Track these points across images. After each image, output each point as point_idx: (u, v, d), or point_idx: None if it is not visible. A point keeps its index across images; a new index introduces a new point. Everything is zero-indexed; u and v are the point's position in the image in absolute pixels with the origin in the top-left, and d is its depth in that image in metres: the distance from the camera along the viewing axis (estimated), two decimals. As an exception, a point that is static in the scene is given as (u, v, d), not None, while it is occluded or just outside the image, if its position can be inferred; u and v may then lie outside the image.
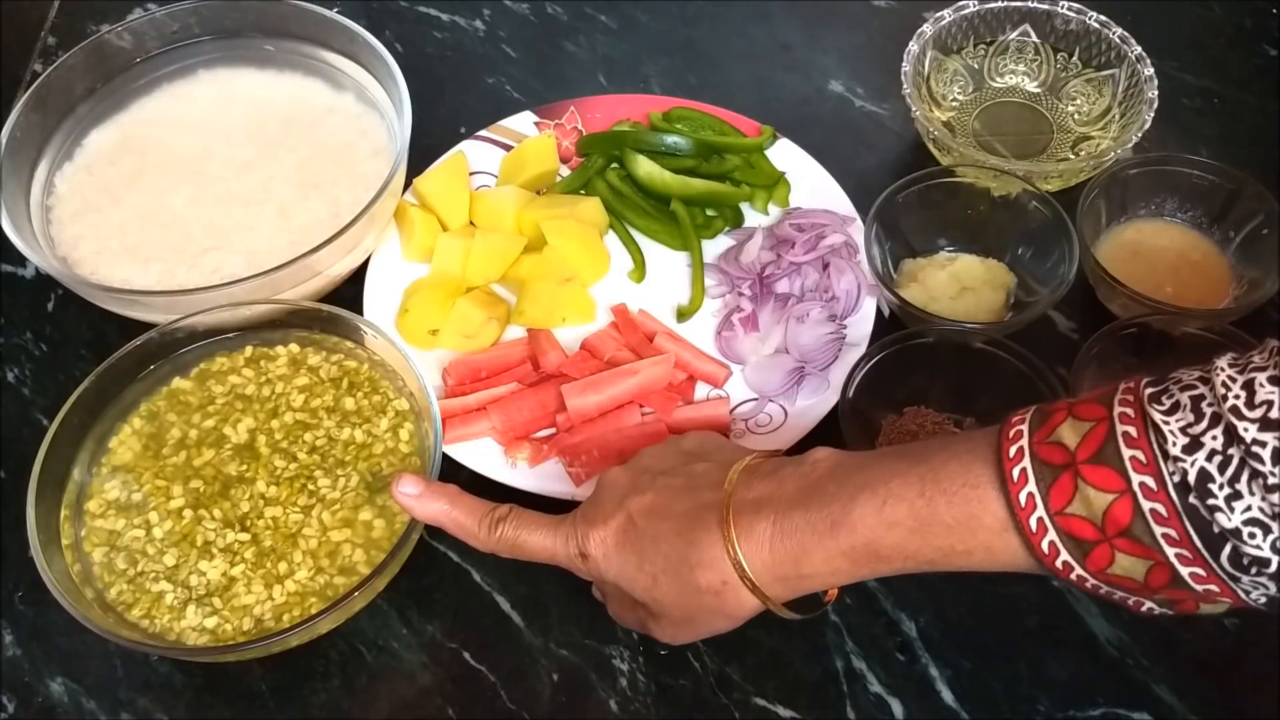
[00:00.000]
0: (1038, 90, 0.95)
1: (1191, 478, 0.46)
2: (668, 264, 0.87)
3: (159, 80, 0.93)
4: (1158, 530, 0.47)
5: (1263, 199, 0.81)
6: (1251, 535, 0.45)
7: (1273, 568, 0.45)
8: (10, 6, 1.09)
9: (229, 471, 0.72)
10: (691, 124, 0.92)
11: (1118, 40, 0.91)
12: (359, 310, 0.81)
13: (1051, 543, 0.50)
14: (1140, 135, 0.85)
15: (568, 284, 0.83)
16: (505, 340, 0.83)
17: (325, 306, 0.77)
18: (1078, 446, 0.49)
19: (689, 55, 1.01)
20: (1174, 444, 0.46)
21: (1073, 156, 0.91)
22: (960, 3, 0.93)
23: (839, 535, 0.55)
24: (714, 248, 0.88)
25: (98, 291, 0.78)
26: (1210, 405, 0.46)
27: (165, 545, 0.69)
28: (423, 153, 0.89)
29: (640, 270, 0.87)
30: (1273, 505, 0.44)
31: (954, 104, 0.95)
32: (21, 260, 0.90)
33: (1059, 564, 0.50)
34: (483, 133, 0.93)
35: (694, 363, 0.80)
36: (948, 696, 0.68)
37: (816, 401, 0.77)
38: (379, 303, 0.83)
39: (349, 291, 0.84)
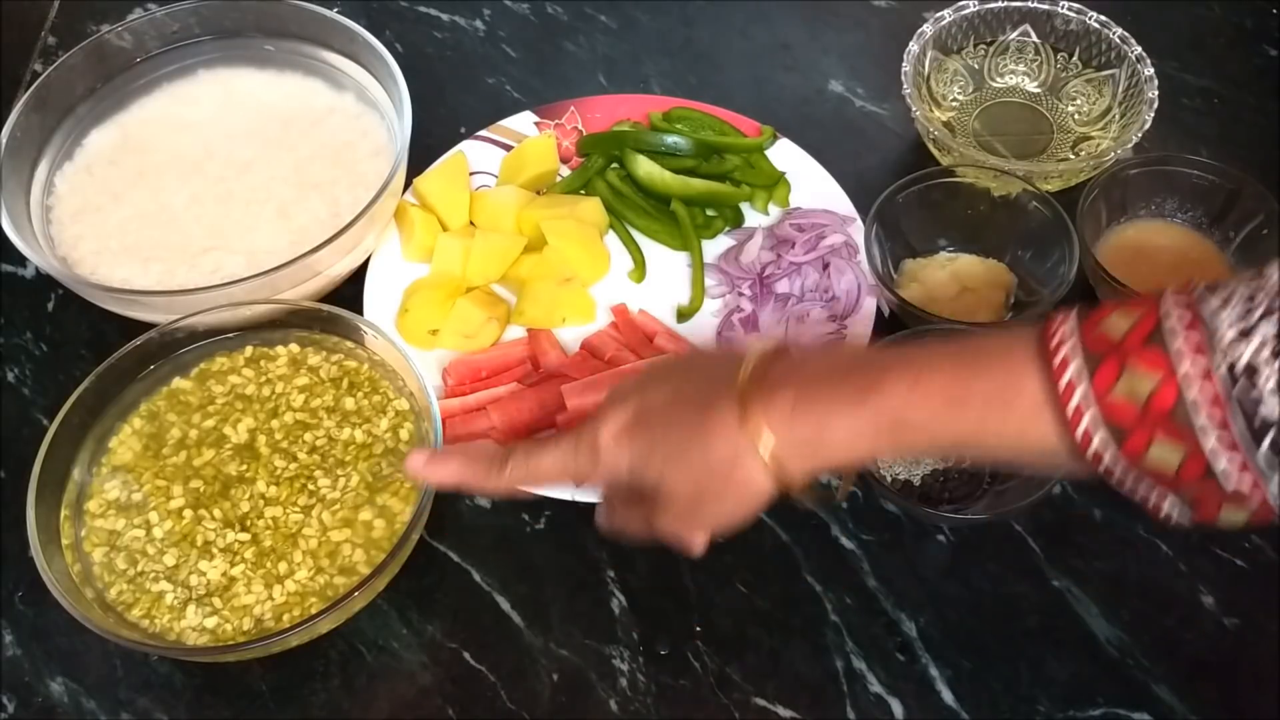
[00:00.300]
0: (1038, 90, 0.95)
1: (1240, 367, 0.46)
2: (668, 264, 0.87)
3: (159, 80, 0.93)
4: (1200, 417, 0.46)
5: (1263, 199, 0.81)
6: None
7: None
8: (10, 6, 1.09)
9: (229, 471, 0.72)
10: (691, 124, 0.92)
11: (1118, 40, 0.91)
12: (359, 310, 0.81)
13: (1087, 430, 0.49)
14: (1140, 135, 0.85)
15: (568, 284, 0.83)
16: (505, 340, 0.83)
17: (325, 306, 0.77)
18: (1126, 334, 0.48)
19: (689, 55, 1.01)
20: (1224, 335, 0.46)
21: (1073, 157, 0.91)
22: (960, 3, 0.93)
23: (867, 404, 0.53)
24: (714, 248, 0.88)
25: (98, 291, 0.78)
26: (1262, 301, 0.47)
27: (165, 545, 0.69)
28: (423, 153, 0.89)
29: (640, 270, 0.87)
30: None
31: (954, 104, 0.95)
32: (21, 260, 0.90)
33: (1091, 452, 0.49)
34: (483, 133, 0.93)
35: (694, 363, 0.80)
36: (948, 696, 0.68)
37: (816, 401, 0.77)
38: (379, 303, 0.83)
39: (349, 291, 0.84)
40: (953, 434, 0.53)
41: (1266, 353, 0.45)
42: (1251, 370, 0.46)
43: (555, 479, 0.62)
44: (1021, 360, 0.51)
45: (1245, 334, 0.46)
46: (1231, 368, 0.46)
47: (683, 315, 0.84)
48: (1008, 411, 0.51)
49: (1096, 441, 0.49)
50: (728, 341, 0.81)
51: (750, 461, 0.55)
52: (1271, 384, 0.45)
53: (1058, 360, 0.49)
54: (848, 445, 0.54)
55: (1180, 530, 0.65)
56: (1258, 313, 0.46)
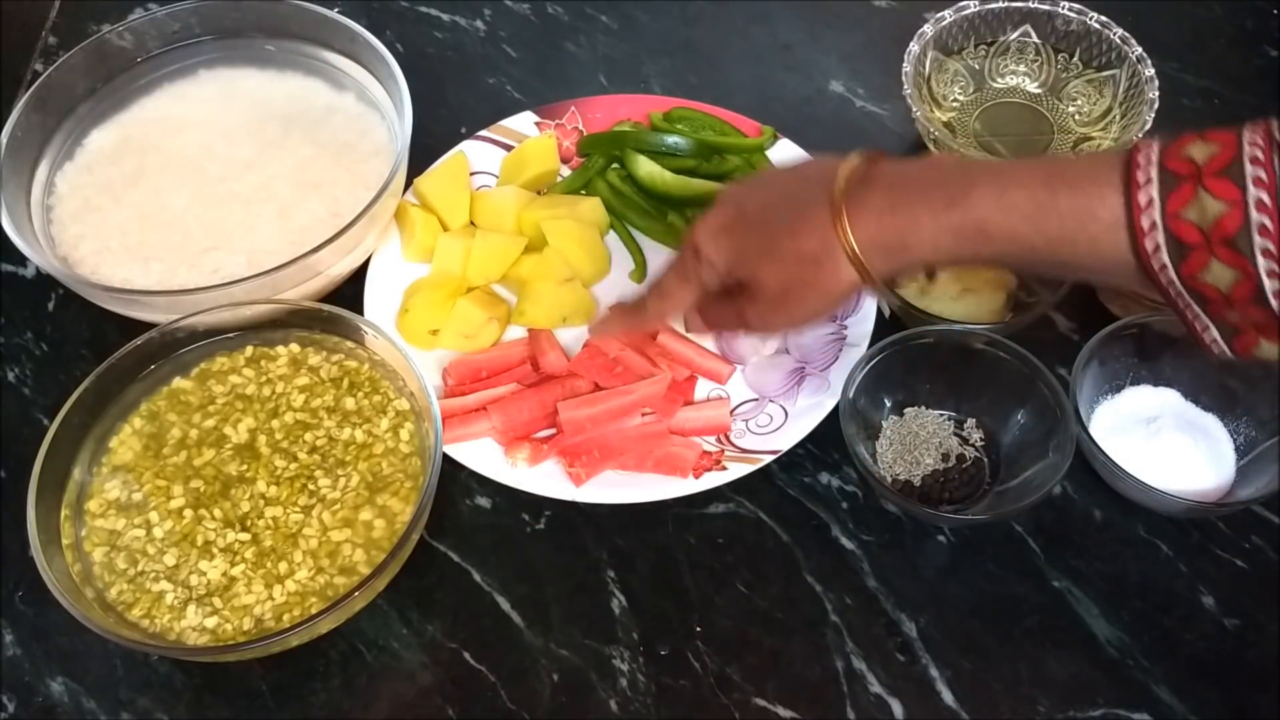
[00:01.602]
0: (1038, 91, 0.95)
1: None
2: (668, 264, 0.87)
3: (160, 80, 0.93)
4: (1259, 242, 0.51)
5: (1263, 200, 0.81)
6: None
7: None
8: (11, 6, 1.09)
9: (229, 471, 0.72)
10: (692, 124, 0.92)
11: (1118, 41, 0.91)
12: (359, 310, 0.81)
13: (1157, 244, 0.53)
14: (1141, 135, 0.85)
15: (568, 284, 0.83)
16: (505, 340, 0.83)
17: (326, 306, 0.77)
18: (1206, 162, 0.52)
19: (689, 55, 1.01)
20: None
21: (1073, 157, 0.91)
22: (961, 3, 0.93)
23: (953, 211, 0.57)
24: (714, 248, 0.88)
25: (98, 291, 0.78)
26: None
27: (165, 545, 0.69)
28: (423, 153, 0.89)
29: (640, 270, 0.87)
30: None
31: (955, 104, 0.95)
32: (22, 260, 0.90)
33: (1157, 264, 0.54)
34: (483, 133, 0.93)
35: (697, 360, 0.80)
36: (948, 696, 0.68)
37: (817, 402, 0.77)
38: (379, 303, 0.83)
39: (349, 291, 0.84)
40: (1030, 244, 0.57)
41: None
42: None
43: (676, 289, 0.68)
44: (1105, 179, 0.55)
45: None
46: None
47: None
48: (1084, 228, 0.55)
49: (1161, 257, 0.53)
50: (728, 341, 0.81)
51: (838, 258, 0.60)
52: None
53: (1140, 179, 0.53)
54: (930, 248, 0.59)
55: (1177, 531, 0.65)
56: None
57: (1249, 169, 0.51)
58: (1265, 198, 0.50)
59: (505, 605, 0.72)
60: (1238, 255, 0.52)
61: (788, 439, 0.76)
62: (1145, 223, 0.53)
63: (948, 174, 0.59)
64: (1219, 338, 0.56)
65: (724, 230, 0.65)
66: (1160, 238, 0.53)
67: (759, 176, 0.67)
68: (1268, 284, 0.51)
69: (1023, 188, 0.56)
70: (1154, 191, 0.53)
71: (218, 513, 0.70)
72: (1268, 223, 0.51)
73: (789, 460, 0.76)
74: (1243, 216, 0.51)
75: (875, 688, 0.68)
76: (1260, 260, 0.51)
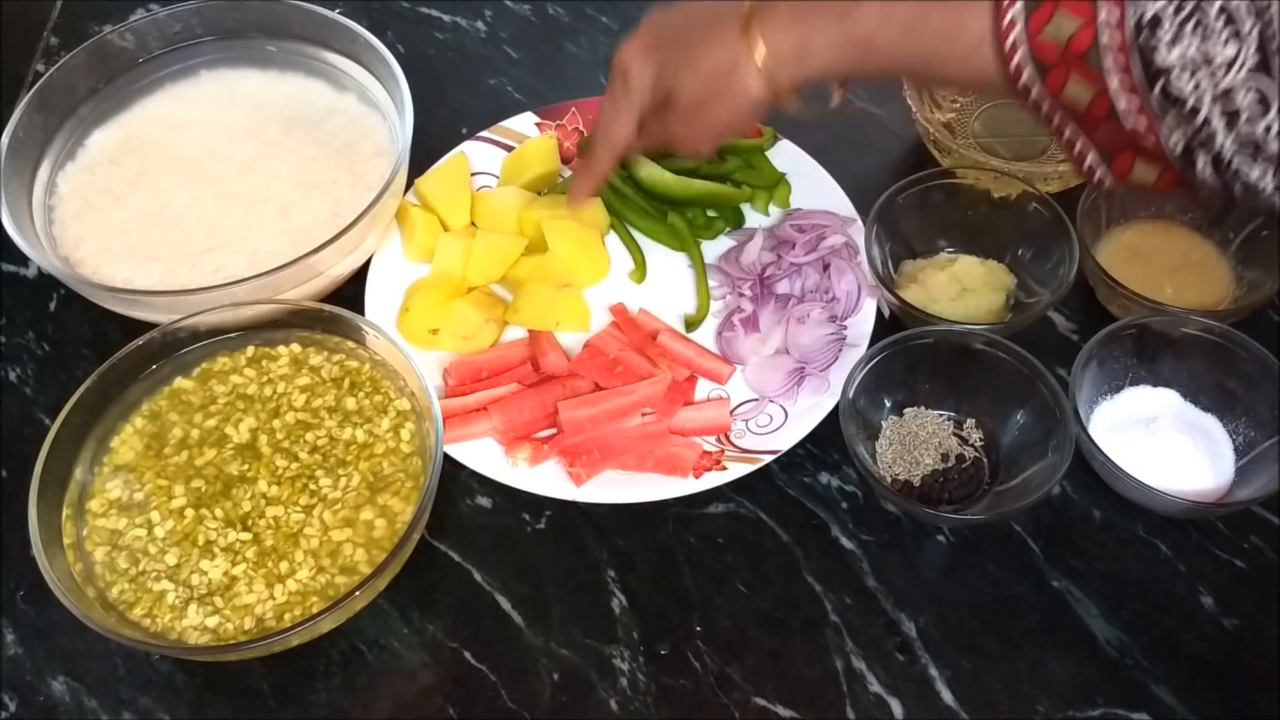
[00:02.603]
0: (1038, 92, 0.95)
1: (1147, 18, 0.52)
2: (669, 265, 0.87)
3: (161, 80, 0.93)
4: (1107, 59, 0.54)
5: (1262, 200, 0.81)
6: (1179, 75, 0.52)
7: (1189, 107, 0.53)
8: (12, 6, 1.09)
9: (230, 471, 0.72)
10: (692, 125, 0.92)
11: (1118, 42, 0.90)
12: (360, 310, 0.81)
13: (1019, 63, 0.56)
14: (1140, 137, 0.85)
15: (565, 289, 0.83)
16: (506, 341, 0.83)
17: (327, 306, 0.77)
18: None
19: (690, 56, 1.01)
20: None
21: (1073, 158, 0.91)
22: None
23: (844, 23, 0.62)
24: (715, 248, 0.88)
25: (100, 291, 0.79)
26: None
27: (167, 544, 0.69)
28: (424, 153, 0.89)
29: (641, 270, 0.87)
30: (1203, 53, 0.51)
31: (954, 105, 0.95)
32: (24, 260, 0.90)
33: (1021, 84, 0.57)
34: (484, 133, 0.93)
35: (697, 360, 0.81)
36: (948, 696, 0.68)
37: (816, 402, 0.77)
38: (380, 303, 0.83)
39: (350, 291, 0.84)
40: (908, 58, 0.62)
41: (1171, 8, 0.52)
42: (1156, 22, 0.52)
43: (619, 122, 0.73)
44: (975, 1, 0.58)
45: None
46: (1139, 19, 0.53)
47: (690, 325, 0.84)
48: (955, 43, 0.59)
49: (1025, 75, 0.57)
50: (727, 342, 0.81)
51: (746, 67, 0.65)
52: (1169, 36, 0.52)
53: (1005, 1, 0.56)
54: (826, 58, 0.64)
55: (1177, 531, 0.65)
56: None
57: None
58: (1113, 16, 0.53)
59: (506, 605, 0.72)
60: (1091, 71, 0.54)
61: (788, 439, 0.76)
62: (1010, 42, 0.56)
63: None
64: (1096, 162, 0.59)
65: (647, 49, 0.70)
66: (1022, 57, 0.56)
67: (676, 2, 0.72)
68: (1119, 103, 0.54)
69: (903, 5, 0.60)
70: (1018, 11, 0.56)
71: (219, 512, 0.70)
72: (1115, 39, 0.53)
73: (789, 460, 0.77)
74: (1093, 34, 0.54)
75: (875, 687, 0.68)
76: (1111, 77, 0.54)
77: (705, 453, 0.76)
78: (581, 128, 0.94)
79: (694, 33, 0.68)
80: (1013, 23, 0.56)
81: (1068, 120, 0.58)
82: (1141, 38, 0.53)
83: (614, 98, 0.73)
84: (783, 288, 0.83)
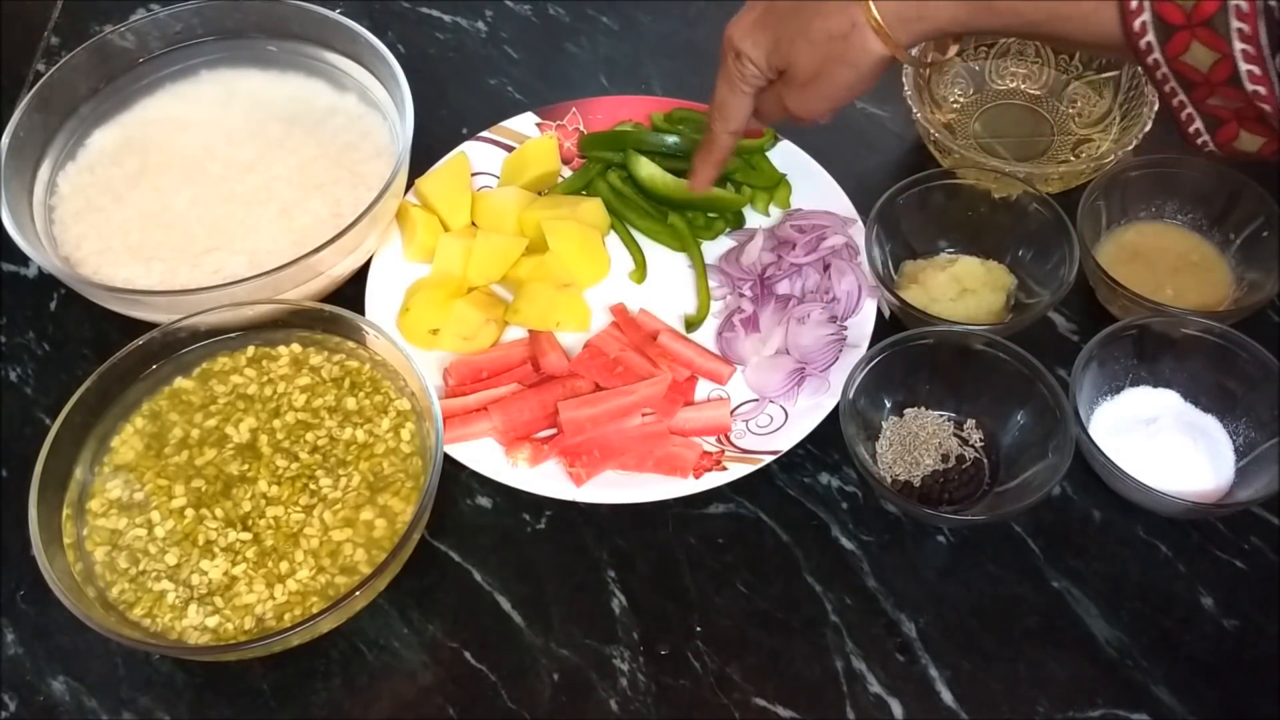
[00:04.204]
0: (1038, 93, 0.95)
1: None
2: (669, 265, 0.87)
3: (162, 80, 0.93)
4: (1234, 24, 0.54)
5: (1263, 201, 0.81)
6: None
7: None
8: (13, 6, 1.09)
9: (231, 471, 0.72)
10: (693, 125, 0.92)
11: (1118, 43, 0.91)
12: (361, 310, 0.81)
13: (1143, 22, 0.57)
14: (1141, 137, 0.85)
15: (565, 289, 0.83)
16: (506, 341, 0.83)
17: (327, 306, 0.77)
18: None
19: (690, 56, 1.02)
20: None
21: (1073, 159, 0.91)
22: (961, 5, 0.93)
23: None
24: (715, 248, 0.88)
25: (100, 291, 0.79)
26: None
27: (167, 544, 0.69)
28: (425, 153, 0.89)
29: (641, 271, 0.87)
30: None
31: (955, 106, 0.95)
32: (24, 260, 0.90)
33: (1143, 43, 0.57)
34: (484, 134, 0.93)
35: (697, 360, 0.81)
36: (947, 697, 0.68)
37: (817, 403, 0.77)
38: (381, 303, 0.83)
39: (351, 291, 0.84)
40: (1030, 17, 0.61)
41: None
42: None
43: (735, 103, 0.74)
44: None
45: None
46: None
47: (691, 325, 0.84)
48: (1078, 2, 0.59)
49: (1148, 36, 0.57)
50: (728, 342, 0.81)
51: (863, 30, 0.65)
52: None
53: None
54: (948, 18, 0.64)
55: (1177, 532, 0.65)
56: None
57: None
58: None
59: (506, 605, 0.72)
60: (1216, 36, 0.55)
61: (788, 439, 0.76)
62: (1133, 2, 0.56)
63: None
64: (1203, 128, 0.59)
65: (756, 25, 0.70)
66: (1147, 17, 0.56)
67: None
68: (1242, 66, 0.54)
69: None
70: None
71: (219, 512, 0.70)
72: (1243, 5, 0.53)
73: (789, 461, 0.77)
74: (1220, 1, 0.54)
75: (875, 688, 0.68)
76: (1236, 42, 0.54)
77: (705, 453, 0.76)
78: (581, 128, 0.94)
79: (802, 4, 0.68)
80: None
81: (1181, 85, 0.58)
82: (1271, 2, 0.52)
83: (728, 78, 0.73)
84: (783, 288, 0.83)
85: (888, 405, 0.78)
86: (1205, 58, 0.56)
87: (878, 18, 0.65)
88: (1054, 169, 0.87)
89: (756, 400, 0.79)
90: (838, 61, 0.67)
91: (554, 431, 0.78)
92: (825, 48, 0.67)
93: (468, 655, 0.70)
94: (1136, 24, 0.57)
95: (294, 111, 0.92)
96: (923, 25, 0.65)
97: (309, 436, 0.74)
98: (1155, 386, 0.77)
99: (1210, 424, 0.76)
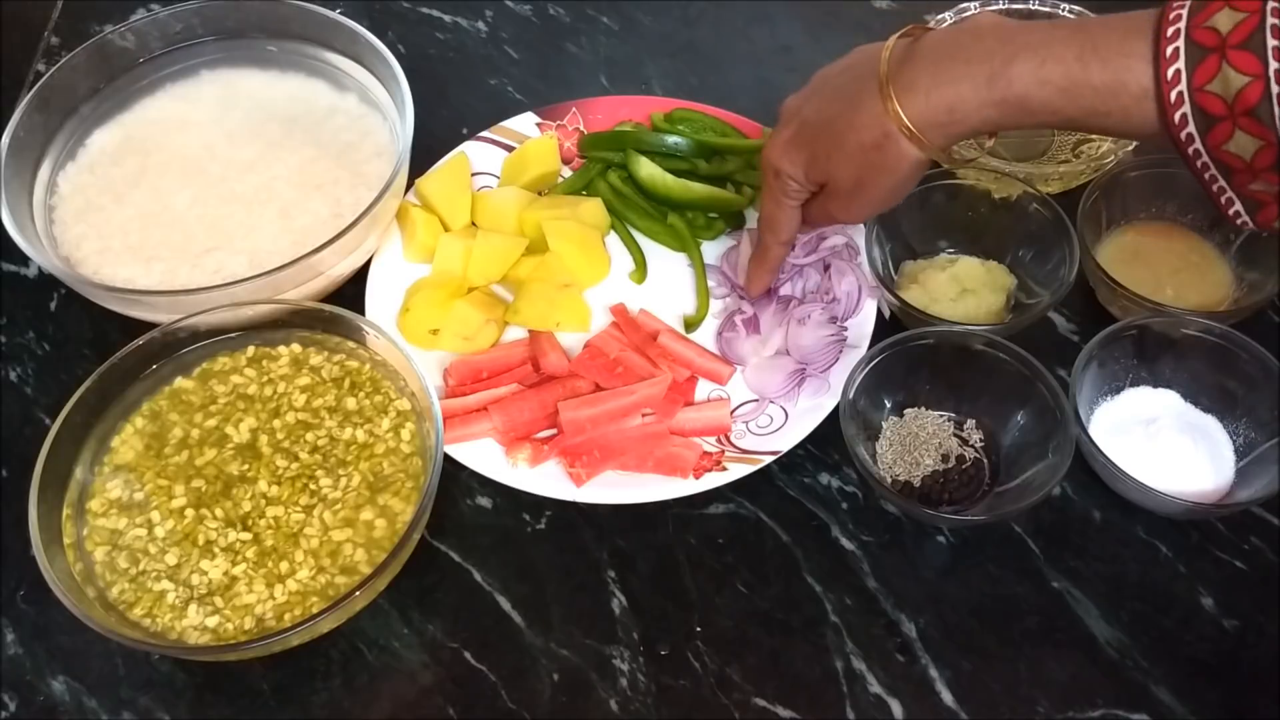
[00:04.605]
0: (1038, 93, 0.95)
1: None
2: (669, 265, 0.87)
3: (162, 80, 0.93)
4: (1279, 111, 0.53)
5: (1263, 202, 0.81)
6: None
7: None
8: (13, 6, 1.10)
9: (231, 471, 0.72)
10: (693, 125, 0.92)
11: (1118, 43, 0.90)
12: (361, 310, 0.81)
13: (1184, 115, 0.56)
14: (1141, 138, 0.85)
15: (565, 289, 0.83)
16: (506, 341, 0.83)
17: (327, 306, 0.77)
18: (1229, 32, 0.54)
19: (690, 56, 1.02)
20: None
21: (1073, 159, 0.91)
22: (961, 5, 0.93)
23: (995, 87, 0.61)
24: (715, 248, 0.88)
25: (100, 291, 0.79)
26: None
27: (167, 544, 0.69)
28: (425, 153, 0.89)
29: (641, 271, 0.87)
30: None
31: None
32: (24, 260, 0.90)
33: (1184, 135, 0.57)
34: (485, 134, 0.93)
35: (697, 360, 0.81)
36: (947, 697, 0.68)
37: (817, 403, 0.77)
38: (381, 303, 0.83)
39: (351, 291, 0.84)
40: (1067, 115, 0.61)
41: None
42: None
43: (782, 219, 0.75)
44: (1134, 51, 0.58)
45: None
46: None
47: (690, 325, 0.84)
48: (1115, 101, 0.59)
49: (1189, 128, 0.57)
50: (728, 342, 0.81)
51: (897, 138, 0.65)
52: None
53: (1168, 53, 0.56)
54: (978, 121, 0.63)
55: (1177, 532, 0.65)
56: None
57: (1270, 41, 0.52)
58: None
59: (506, 605, 0.72)
60: (1260, 125, 0.54)
61: (788, 440, 0.76)
62: (1173, 96, 0.56)
63: (988, 46, 0.62)
64: (1243, 210, 0.59)
65: (792, 143, 0.71)
66: (1187, 110, 0.56)
67: (811, 83, 0.72)
68: None
69: (1059, 62, 0.59)
70: (1181, 65, 0.55)
71: (219, 512, 0.70)
72: None
73: (789, 461, 0.77)
74: (1263, 88, 0.53)
75: (875, 688, 0.68)
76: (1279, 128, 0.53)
77: (705, 453, 0.76)
78: (582, 127, 0.94)
79: (836, 115, 0.68)
80: (1176, 77, 0.56)
81: (1221, 171, 0.58)
82: None
83: (772, 196, 0.74)
84: (784, 289, 0.83)
85: (888, 405, 0.78)
86: (1249, 145, 0.56)
87: (909, 125, 0.64)
88: (1054, 169, 0.87)
89: (756, 401, 0.79)
90: (877, 170, 0.67)
91: (554, 432, 0.78)
92: (861, 159, 0.67)
93: (468, 655, 0.70)
94: (1177, 116, 0.56)
95: (294, 111, 0.92)
96: (955, 128, 0.64)
97: (309, 436, 0.74)
98: (1155, 387, 0.77)
99: (1210, 424, 0.76)
